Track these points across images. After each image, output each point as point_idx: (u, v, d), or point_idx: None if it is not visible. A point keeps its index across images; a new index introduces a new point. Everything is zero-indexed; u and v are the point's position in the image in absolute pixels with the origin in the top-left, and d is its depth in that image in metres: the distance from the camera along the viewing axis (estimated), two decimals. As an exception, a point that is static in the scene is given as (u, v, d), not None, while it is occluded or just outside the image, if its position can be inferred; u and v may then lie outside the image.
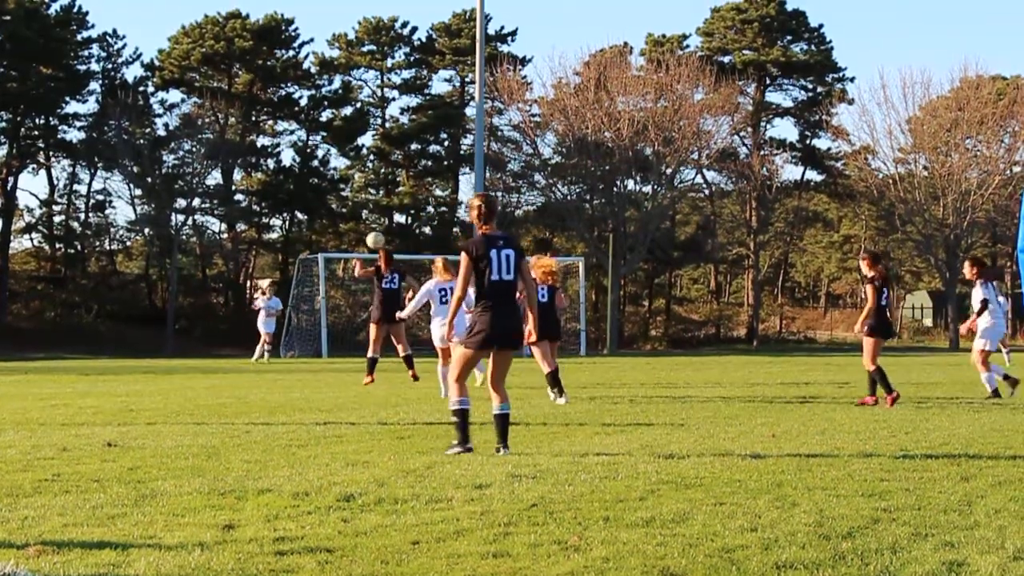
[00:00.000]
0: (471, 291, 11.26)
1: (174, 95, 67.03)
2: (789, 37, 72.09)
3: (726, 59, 70.54)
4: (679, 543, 6.78)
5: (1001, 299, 20.67)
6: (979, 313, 19.18)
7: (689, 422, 14.42)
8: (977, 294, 19.32)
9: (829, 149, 73.82)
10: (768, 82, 72.72)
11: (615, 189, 62.94)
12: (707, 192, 74.85)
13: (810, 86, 72.93)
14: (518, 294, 11.59)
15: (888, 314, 18.28)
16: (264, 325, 36.10)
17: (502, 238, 11.32)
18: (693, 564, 6.27)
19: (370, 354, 21.72)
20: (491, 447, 11.48)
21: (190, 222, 64.72)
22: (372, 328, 21.81)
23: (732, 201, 73.92)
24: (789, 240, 77.96)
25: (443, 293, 18.76)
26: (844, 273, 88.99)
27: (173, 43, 65.95)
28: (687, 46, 71.17)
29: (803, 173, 75.23)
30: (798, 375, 27.61)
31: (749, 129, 71.28)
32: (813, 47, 72.30)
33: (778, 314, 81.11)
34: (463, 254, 11.24)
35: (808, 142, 73.58)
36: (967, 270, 19.51)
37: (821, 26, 72.55)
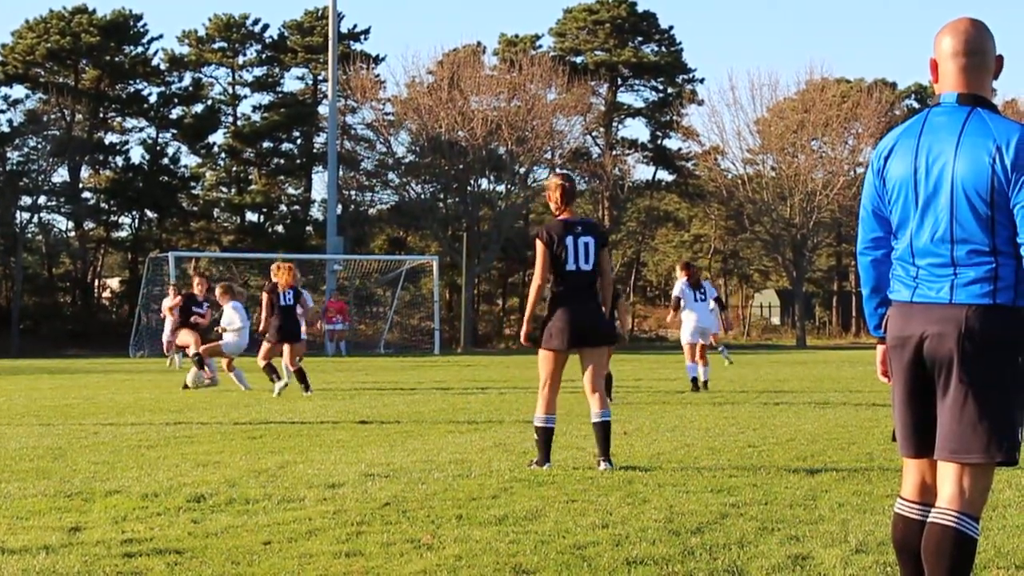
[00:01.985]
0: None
1: (18, 90, 65.49)
2: (640, 38, 72.81)
3: (578, 59, 71.01)
4: (531, 540, 6.83)
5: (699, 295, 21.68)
6: (675, 309, 21.59)
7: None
8: (675, 292, 21.74)
9: (680, 149, 74.74)
10: (620, 83, 73.37)
11: (469, 188, 63.01)
12: (559, 192, 75.33)
13: (661, 87, 73.72)
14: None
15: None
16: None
17: (581, 223, 10.21)
18: (545, 561, 6.32)
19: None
20: (343, 445, 11.43)
21: (35, 220, 63.38)
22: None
23: (585, 200, 74.41)
24: (641, 239, 78.75)
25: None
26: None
27: (17, 37, 64.39)
28: (540, 46, 71.53)
29: (655, 173, 76.12)
30: (649, 373, 27.94)
31: (601, 129, 71.88)
32: (663, 48, 73.12)
33: (631, 313, 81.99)
34: (537, 241, 10.07)
35: (659, 142, 74.41)
36: (678, 272, 21.93)
37: (671, 28, 73.43)
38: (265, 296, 20.43)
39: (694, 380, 20.58)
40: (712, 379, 21.56)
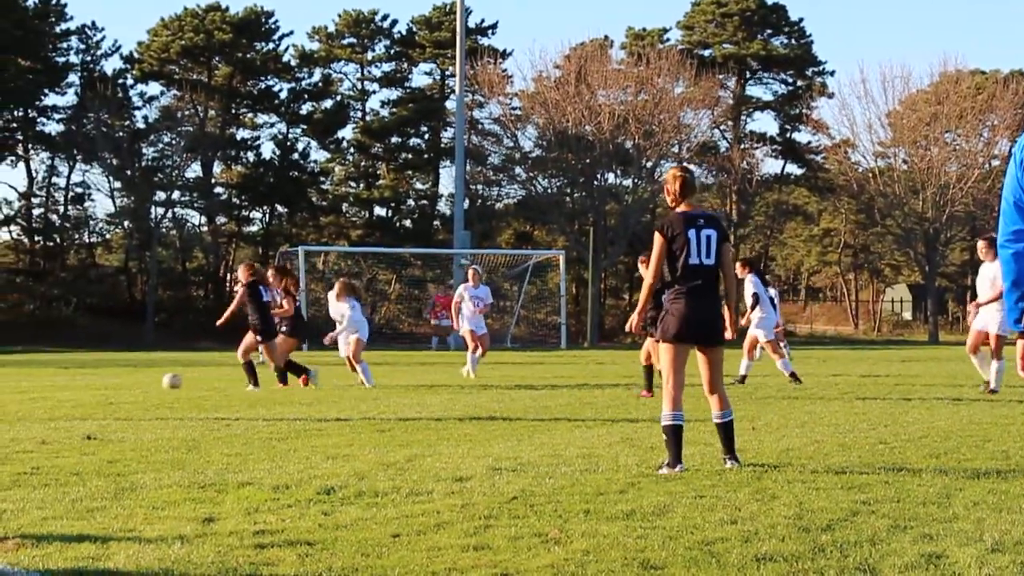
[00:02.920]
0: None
1: (153, 87, 66.93)
2: (769, 31, 72.14)
3: (706, 53, 70.55)
4: (659, 536, 6.79)
5: (772, 292, 22.34)
6: (752, 307, 20.98)
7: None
8: (748, 289, 20.98)
9: (809, 143, 73.95)
10: (748, 76, 72.75)
11: (595, 182, 62.92)
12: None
13: (790, 80, 73.01)
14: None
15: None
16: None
17: (703, 216, 9.83)
18: (673, 557, 6.27)
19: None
20: (470, 439, 11.46)
21: (170, 215, 64.55)
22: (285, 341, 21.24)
23: (712, 195, 73.91)
24: (769, 234, 78.05)
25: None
26: (824, 267, 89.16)
27: (152, 35, 65.71)
28: (667, 40, 71.22)
29: (783, 167, 75.39)
30: (777, 368, 27.64)
31: (729, 123, 71.36)
32: (793, 41, 72.37)
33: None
34: (656, 234, 9.74)
35: (788, 136, 73.67)
36: (738, 270, 19.75)
37: (801, 20, 72.71)
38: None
39: (743, 378, 21.18)
40: (841, 374, 21.29)
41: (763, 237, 78.31)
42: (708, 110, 64.82)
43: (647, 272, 9.99)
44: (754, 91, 74.07)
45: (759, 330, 21.08)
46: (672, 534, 6.84)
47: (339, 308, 21.62)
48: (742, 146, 70.27)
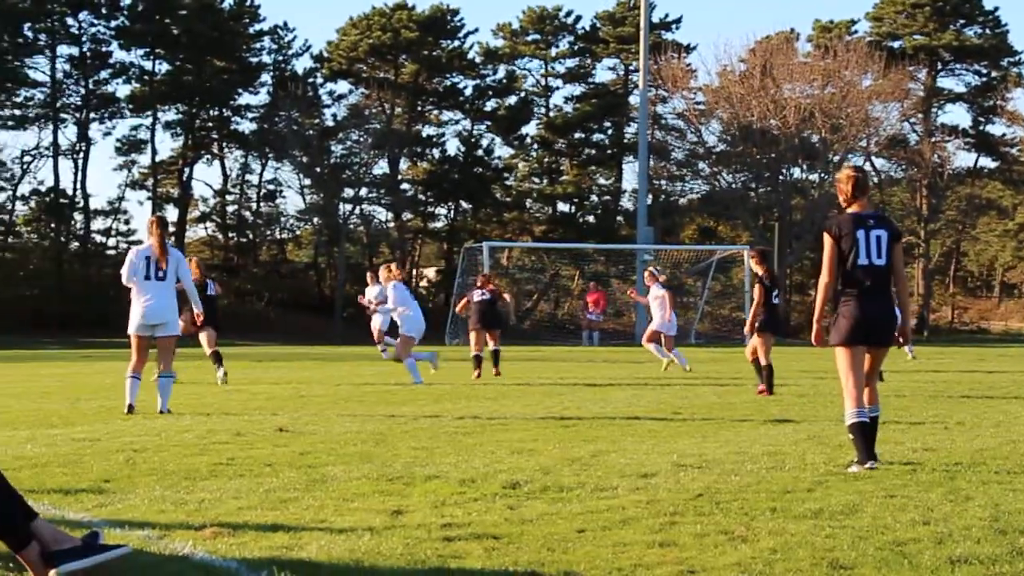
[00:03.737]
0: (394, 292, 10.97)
1: (342, 86, 68.21)
2: (962, 21, 70.35)
3: (896, 44, 69.13)
4: (848, 535, 6.69)
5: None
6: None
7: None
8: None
9: (1004, 135, 71.96)
10: (940, 67, 71.09)
11: (781, 177, 62.20)
12: (876, 180, 73.49)
13: (984, 71, 71.12)
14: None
15: (777, 311, 18.44)
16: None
17: (873, 217, 9.75)
18: (863, 557, 6.18)
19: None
20: (655, 436, 11.42)
21: (357, 211, 65.60)
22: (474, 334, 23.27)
23: (902, 189, 72.43)
24: (961, 228, 76.22)
25: None
26: (1020, 262, 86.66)
27: (341, 35, 66.91)
28: (855, 32, 69.97)
29: (976, 160, 73.52)
30: (971, 366, 27.00)
31: (919, 115, 69.79)
32: (987, 31, 70.47)
33: (950, 304, 79.37)
34: (825, 235, 9.71)
35: (981, 128, 71.79)
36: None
37: (996, 9, 70.72)
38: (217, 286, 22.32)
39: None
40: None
41: (955, 232, 76.50)
42: (897, 103, 63.48)
43: (824, 272, 9.74)
44: (945, 83, 72.43)
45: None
46: (862, 534, 6.74)
47: (381, 291, 23.05)
48: (933, 139, 68.70)
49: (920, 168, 67.23)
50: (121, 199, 64.42)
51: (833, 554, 6.24)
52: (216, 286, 22.77)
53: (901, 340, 9.98)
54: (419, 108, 68.22)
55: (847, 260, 9.54)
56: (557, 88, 71.69)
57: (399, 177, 67.30)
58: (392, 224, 69.10)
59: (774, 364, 18.14)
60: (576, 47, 70.15)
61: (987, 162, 73.52)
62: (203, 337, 21.06)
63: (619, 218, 69.65)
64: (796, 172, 63.71)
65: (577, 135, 69.59)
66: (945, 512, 7.46)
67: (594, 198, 71.15)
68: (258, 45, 65.82)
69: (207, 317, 16.59)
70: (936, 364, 28.62)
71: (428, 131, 69.07)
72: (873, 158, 67.85)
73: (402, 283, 22.01)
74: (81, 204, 62.37)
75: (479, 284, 24.29)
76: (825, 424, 12.90)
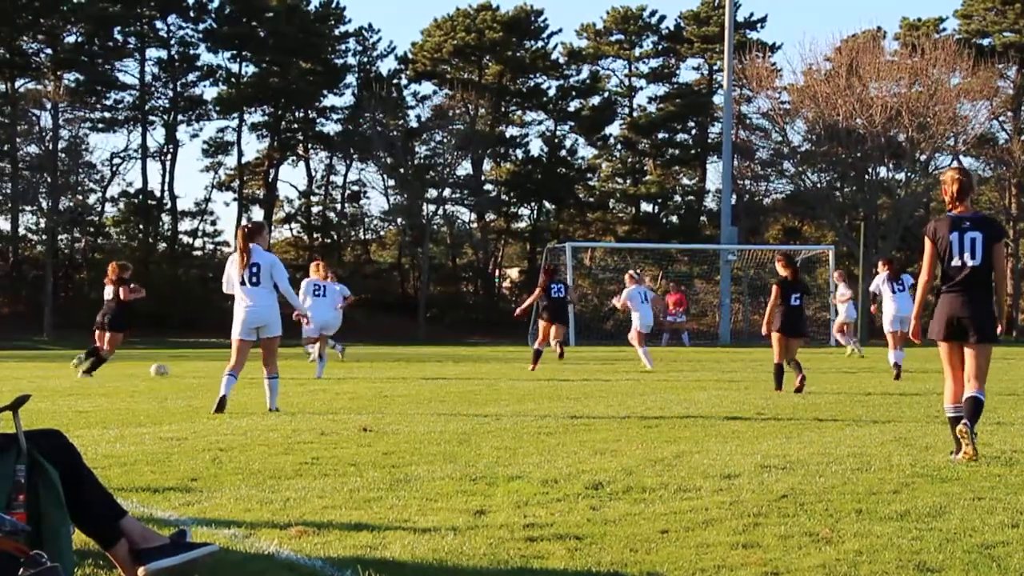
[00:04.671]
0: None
1: (426, 87, 68.43)
2: (1053, 17, 69.27)
3: (985, 42, 68.15)
4: (935, 538, 6.63)
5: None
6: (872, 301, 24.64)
7: (944, 415, 14.05)
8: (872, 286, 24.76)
9: (1095, 133, 70.74)
10: (1030, 64, 70.04)
11: (867, 176, 61.56)
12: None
13: (1075, 68, 69.96)
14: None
15: (796, 313, 18.66)
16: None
17: (971, 219, 10.22)
18: (951, 560, 6.12)
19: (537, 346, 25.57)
20: (738, 436, 11.37)
21: (441, 212, 65.84)
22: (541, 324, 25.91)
23: (990, 188, 71.36)
24: (1052, 228, 75.02)
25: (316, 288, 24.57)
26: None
27: (425, 36, 67.18)
28: (943, 29, 69.06)
29: (1067, 158, 72.31)
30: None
31: (1009, 113, 68.76)
32: (1079, 27, 69.32)
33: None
34: (925, 237, 10.39)
35: (1072, 126, 70.63)
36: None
37: (1088, 4, 69.52)
38: (124, 291, 23.27)
39: (896, 367, 22.14)
40: None
41: (1044, 232, 75.28)
42: (986, 101, 62.55)
43: (923, 271, 10.43)
44: (1037, 80, 71.24)
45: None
46: (949, 536, 6.68)
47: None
48: (1022, 137, 67.69)
49: (1009, 167, 66.25)
50: (208, 200, 65.31)
51: (920, 556, 6.19)
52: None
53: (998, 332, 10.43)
54: (503, 109, 68.31)
55: (943, 261, 10.15)
56: (641, 88, 71.55)
57: (482, 178, 67.45)
58: (475, 224, 69.26)
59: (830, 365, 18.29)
60: (660, 47, 69.89)
61: (1080, 161, 72.27)
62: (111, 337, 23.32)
63: (703, 218, 69.31)
64: (882, 171, 62.99)
65: (661, 135, 69.34)
66: (1034, 515, 7.38)
67: (678, 198, 70.85)
68: (343, 47, 66.24)
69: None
70: (1008, 366, 28.23)
71: (512, 132, 69.15)
72: (961, 157, 66.97)
73: (319, 281, 24.88)
74: (169, 205, 63.19)
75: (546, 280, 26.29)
76: (911, 425, 12.78)
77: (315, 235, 67.31)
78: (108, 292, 23.54)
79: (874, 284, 24.38)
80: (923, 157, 60.65)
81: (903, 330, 22.57)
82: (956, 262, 10.07)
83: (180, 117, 63.03)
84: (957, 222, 10.15)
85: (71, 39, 60.77)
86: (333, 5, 65.10)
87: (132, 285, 23.52)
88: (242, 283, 14.83)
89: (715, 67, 68.08)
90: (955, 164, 61.24)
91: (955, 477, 8.91)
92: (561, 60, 68.23)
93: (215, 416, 13.94)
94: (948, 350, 10.20)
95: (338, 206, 67.59)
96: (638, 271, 33.94)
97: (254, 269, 14.79)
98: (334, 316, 25.11)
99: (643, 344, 26.67)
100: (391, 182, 64.54)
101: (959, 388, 10.14)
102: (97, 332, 23.50)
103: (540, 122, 69.39)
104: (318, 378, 21.59)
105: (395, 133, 62.34)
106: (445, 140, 63.96)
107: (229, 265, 15.07)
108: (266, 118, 64.74)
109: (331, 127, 66.27)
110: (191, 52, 62.80)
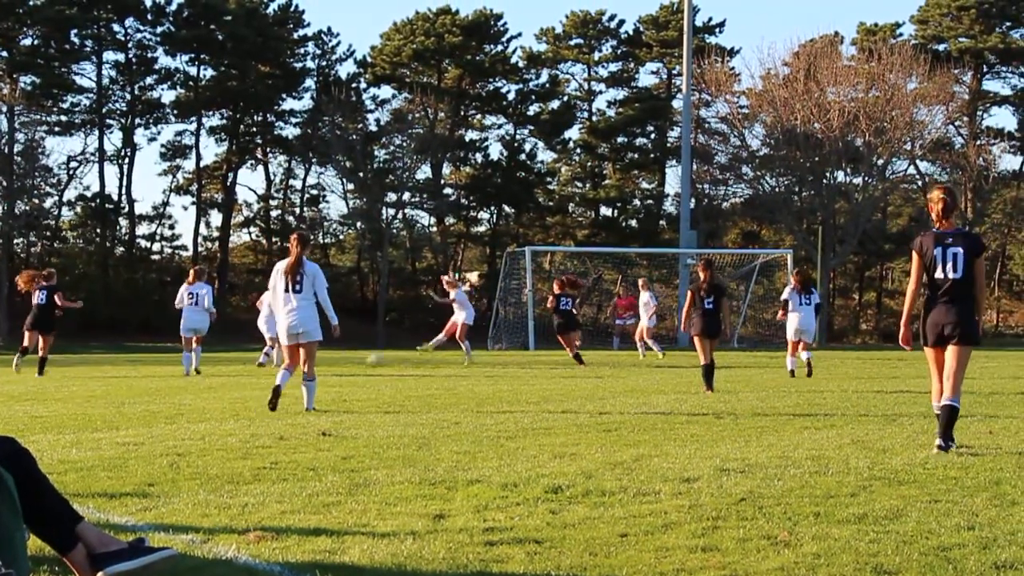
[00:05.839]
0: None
1: (385, 91, 68.31)
2: (1008, 23, 69.79)
3: (941, 47, 68.65)
4: (892, 540, 6.67)
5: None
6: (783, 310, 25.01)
7: (902, 417, 14.14)
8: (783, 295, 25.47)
9: (1050, 138, 71.31)
10: (985, 70, 70.56)
11: (824, 181, 61.87)
12: (920, 183, 73.05)
13: (1030, 73, 70.53)
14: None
15: (710, 317, 19.24)
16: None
17: (952, 235, 11.09)
18: (907, 562, 6.15)
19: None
20: (697, 440, 11.40)
21: (400, 216, 65.79)
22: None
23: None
24: (1007, 232, 75.58)
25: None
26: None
27: (385, 40, 67.12)
28: (900, 34, 69.54)
29: (1022, 163, 72.93)
30: (1016, 371, 26.82)
31: (965, 118, 69.30)
32: (1033, 33, 69.90)
33: (995, 308, 78.80)
34: (912, 252, 11.29)
35: (1028, 131, 71.20)
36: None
37: (1043, 11, 70.14)
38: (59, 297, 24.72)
39: (792, 372, 23.96)
40: None
41: (1000, 235, 75.88)
42: (942, 106, 62.98)
43: (910, 282, 11.44)
44: (991, 85, 71.90)
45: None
46: (906, 539, 6.71)
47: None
48: (978, 142, 68.19)
49: (965, 171, 66.71)
50: (166, 204, 65.20)
51: (877, 559, 6.22)
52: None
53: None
54: (462, 113, 68.34)
55: (928, 274, 11.08)
56: (600, 92, 71.75)
57: (442, 182, 67.44)
58: (435, 228, 69.25)
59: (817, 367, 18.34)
60: (619, 51, 70.07)
61: (1033, 165, 72.89)
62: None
63: (662, 222, 69.52)
64: (840, 176, 63.31)
65: (620, 139, 69.53)
66: (990, 517, 7.43)
67: (637, 202, 71.09)
68: (302, 50, 66.12)
69: None
70: (980, 369, 28.41)
71: (471, 136, 69.25)
72: (918, 161, 67.46)
73: (188, 286, 25.52)
74: (126, 209, 62.93)
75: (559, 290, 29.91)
76: (869, 428, 12.85)
77: (274, 239, 67.13)
78: (38, 296, 24.81)
79: (785, 293, 25.45)
80: (880, 162, 61.02)
81: (805, 340, 24.23)
82: (939, 275, 10.97)
83: (138, 120, 62.79)
84: (941, 237, 11.02)
85: (27, 41, 60.47)
86: (292, 8, 64.96)
87: (72, 297, 25.00)
88: (286, 290, 15.55)
89: (674, 71, 68.33)
90: (941, 184, 61.60)
91: (912, 480, 8.96)
92: (520, 64, 68.32)
93: (173, 421, 13.87)
94: (935, 355, 11.08)
95: (297, 210, 67.46)
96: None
97: (298, 277, 15.54)
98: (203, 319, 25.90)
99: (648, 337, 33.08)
100: (350, 186, 64.43)
101: (942, 388, 11.04)
102: (27, 333, 25.00)
103: (500, 126, 69.56)
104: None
105: (354, 137, 62.22)
106: (404, 144, 63.92)
107: (275, 274, 15.81)
108: (224, 121, 64.53)
109: (290, 131, 66.24)
110: (149, 55, 62.56)
